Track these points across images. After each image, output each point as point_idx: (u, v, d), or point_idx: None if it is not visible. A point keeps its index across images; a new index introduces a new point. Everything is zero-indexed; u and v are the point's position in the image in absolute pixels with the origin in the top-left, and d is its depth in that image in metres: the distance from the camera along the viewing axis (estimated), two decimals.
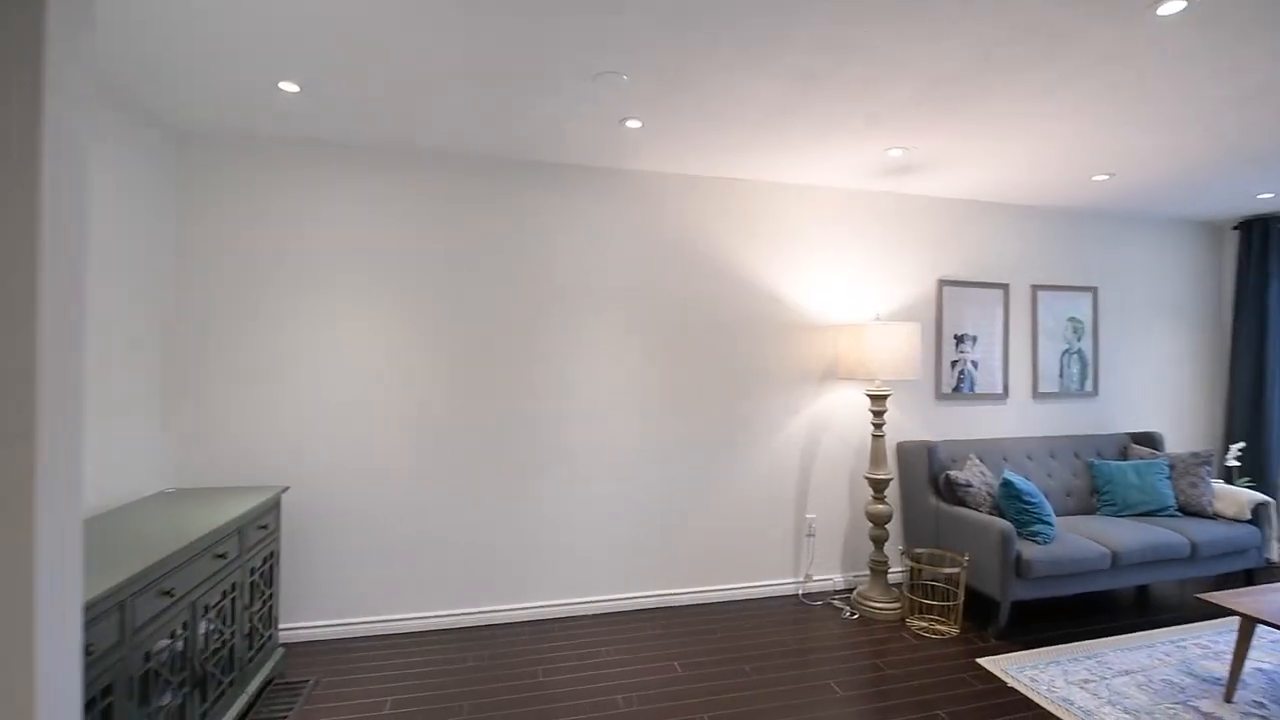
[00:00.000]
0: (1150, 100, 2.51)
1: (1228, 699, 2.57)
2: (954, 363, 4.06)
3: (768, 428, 3.67)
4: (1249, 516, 3.64)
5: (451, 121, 2.79)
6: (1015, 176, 3.55)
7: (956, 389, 4.06)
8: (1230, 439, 4.50)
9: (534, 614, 3.32)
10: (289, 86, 2.44)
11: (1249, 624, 2.55)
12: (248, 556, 2.44)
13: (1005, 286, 4.18)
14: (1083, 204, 4.17)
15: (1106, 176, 3.54)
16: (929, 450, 3.66)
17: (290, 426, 3.03)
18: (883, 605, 3.40)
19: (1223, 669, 2.82)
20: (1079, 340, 4.38)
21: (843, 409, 3.82)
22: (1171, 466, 3.92)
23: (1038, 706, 2.54)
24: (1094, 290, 4.39)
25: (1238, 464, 4.32)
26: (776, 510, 3.70)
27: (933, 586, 3.61)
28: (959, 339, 4.08)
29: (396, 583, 3.15)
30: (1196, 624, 3.31)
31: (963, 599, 3.27)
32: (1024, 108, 2.58)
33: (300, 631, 3.05)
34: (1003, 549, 3.12)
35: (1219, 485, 3.83)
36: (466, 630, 3.19)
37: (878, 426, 3.46)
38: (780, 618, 3.38)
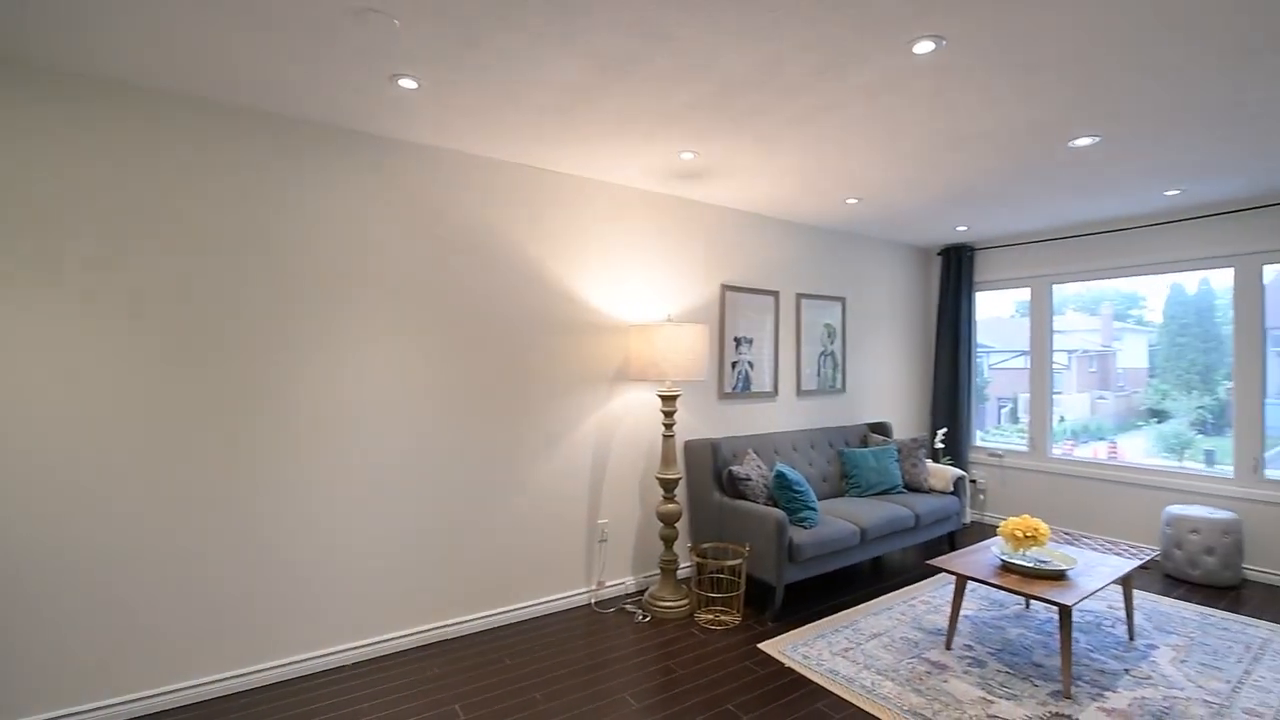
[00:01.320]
0: (897, 135, 2.85)
1: (948, 647, 3.01)
2: (734, 364, 4.31)
3: (559, 431, 3.48)
4: (952, 489, 4.43)
5: (160, 47, 2.10)
6: (789, 193, 3.86)
7: (736, 388, 4.31)
8: (936, 425, 5.49)
9: (280, 674, 2.68)
10: None
11: (962, 581, 3.03)
12: None
13: (776, 294, 4.56)
14: (838, 223, 4.73)
15: (857, 200, 4.04)
16: (713, 447, 3.80)
17: None
18: (672, 604, 3.41)
19: (943, 620, 3.32)
20: (831, 344, 4.96)
21: (634, 410, 3.79)
22: (899, 451, 4.61)
23: (811, 682, 2.71)
24: (843, 300, 5.02)
25: (942, 446, 5.28)
26: (568, 517, 3.53)
27: (718, 579, 3.74)
28: (738, 341, 4.33)
29: (88, 657, 2.28)
30: (920, 583, 3.90)
31: (744, 588, 3.42)
32: (803, 125, 2.76)
33: None
34: (778, 536, 3.33)
35: (931, 464, 4.60)
36: (186, 711, 2.44)
37: (668, 427, 3.48)
38: (573, 632, 3.20)
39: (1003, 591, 3.55)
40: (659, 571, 3.64)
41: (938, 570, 4.01)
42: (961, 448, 5.33)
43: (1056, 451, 5.02)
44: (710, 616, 3.37)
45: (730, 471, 3.68)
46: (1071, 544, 3.40)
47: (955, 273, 5.40)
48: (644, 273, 3.83)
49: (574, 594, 3.53)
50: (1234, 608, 3.52)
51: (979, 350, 5.53)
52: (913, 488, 4.50)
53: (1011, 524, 2.96)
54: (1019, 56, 2.17)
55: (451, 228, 3.13)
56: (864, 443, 4.83)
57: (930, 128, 2.79)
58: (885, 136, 2.91)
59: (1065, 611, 2.59)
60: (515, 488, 3.33)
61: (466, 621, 3.16)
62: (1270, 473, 3.95)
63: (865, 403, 5.25)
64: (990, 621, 3.31)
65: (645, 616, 3.39)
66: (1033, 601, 3.54)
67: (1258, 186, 3.66)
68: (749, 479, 3.66)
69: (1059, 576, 2.80)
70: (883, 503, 4.12)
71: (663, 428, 3.53)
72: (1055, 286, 5.03)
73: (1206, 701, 2.55)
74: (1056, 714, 2.46)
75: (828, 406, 4.93)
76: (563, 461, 3.50)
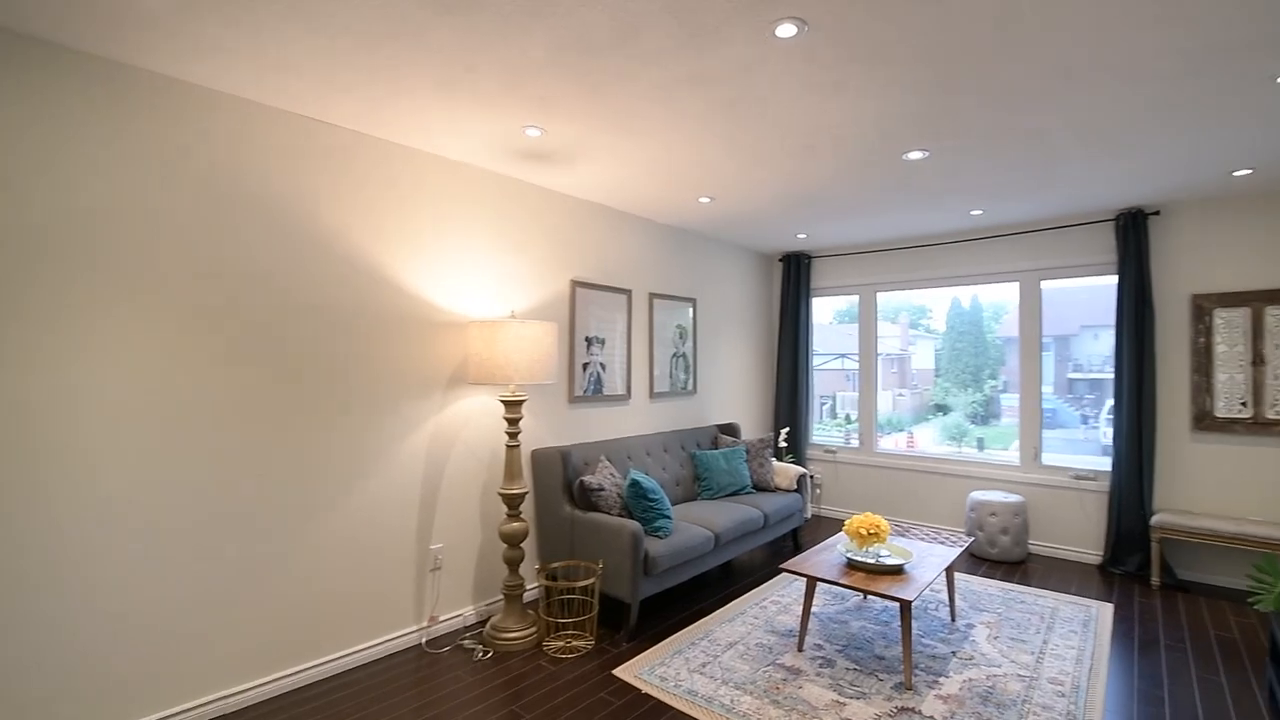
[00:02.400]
0: (751, 128, 2.76)
1: (800, 648, 2.99)
2: (585, 365, 4.04)
3: (382, 444, 2.95)
4: (795, 486, 4.56)
5: None
6: (643, 187, 3.68)
7: (588, 391, 4.04)
8: (779, 425, 5.69)
9: None
10: None
11: (812, 583, 3.03)
12: None
13: (629, 292, 4.37)
14: (690, 223, 4.67)
15: (709, 200, 3.98)
16: (563, 456, 3.49)
17: None
18: (518, 634, 3.04)
19: (793, 621, 3.33)
20: (683, 345, 4.90)
21: (475, 418, 3.35)
22: (748, 451, 4.66)
23: (670, 708, 2.50)
24: (694, 301, 4.99)
25: (785, 445, 5.47)
26: (393, 545, 3.00)
27: (569, 601, 3.44)
28: (590, 341, 4.07)
29: None
30: (769, 583, 3.92)
31: (597, 609, 3.15)
32: (661, 101, 2.54)
33: None
34: (633, 549, 3.11)
35: (776, 463, 4.71)
36: None
37: (513, 435, 3.10)
38: (397, 681, 2.69)
39: None
40: (502, 598, 3.24)
41: (775, 570, 4.09)
42: (800, 445, 5.57)
43: (881, 446, 5.43)
44: (560, 644, 3.05)
45: (582, 482, 3.39)
46: (902, 535, 3.60)
47: (795, 279, 5.64)
48: (487, 263, 3.41)
49: (401, 634, 3.01)
50: (1025, 580, 3.97)
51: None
52: (760, 487, 4.56)
53: (856, 522, 3.02)
54: (876, 49, 2.15)
55: (247, 198, 2.47)
56: (715, 444, 4.82)
57: (784, 121, 2.74)
58: (740, 128, 2.81)
59: (905, 607, 2.67)
60: (325, 514, 2.74)
61: (259, 687, 2.52)
62: (1045, 458, 4.56)
63: (715, 404, 5.27)
64: (835, 616, 3.38)
65: (486, 652, 2.98)
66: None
67: (1042, 211, 4.20)
68: (602, 489, 3.40)
69: (898, 571, 2.90)
70: (734, 504, 4.09)
71: (506, 437, 3.15)
72: (880, 294, 5.44)
73: (1020, 676, 2.76)
74: (902, 708, 2.50)
75: (680, 409, 4.86)
76: (387, 480, 2.96)
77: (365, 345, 2.89)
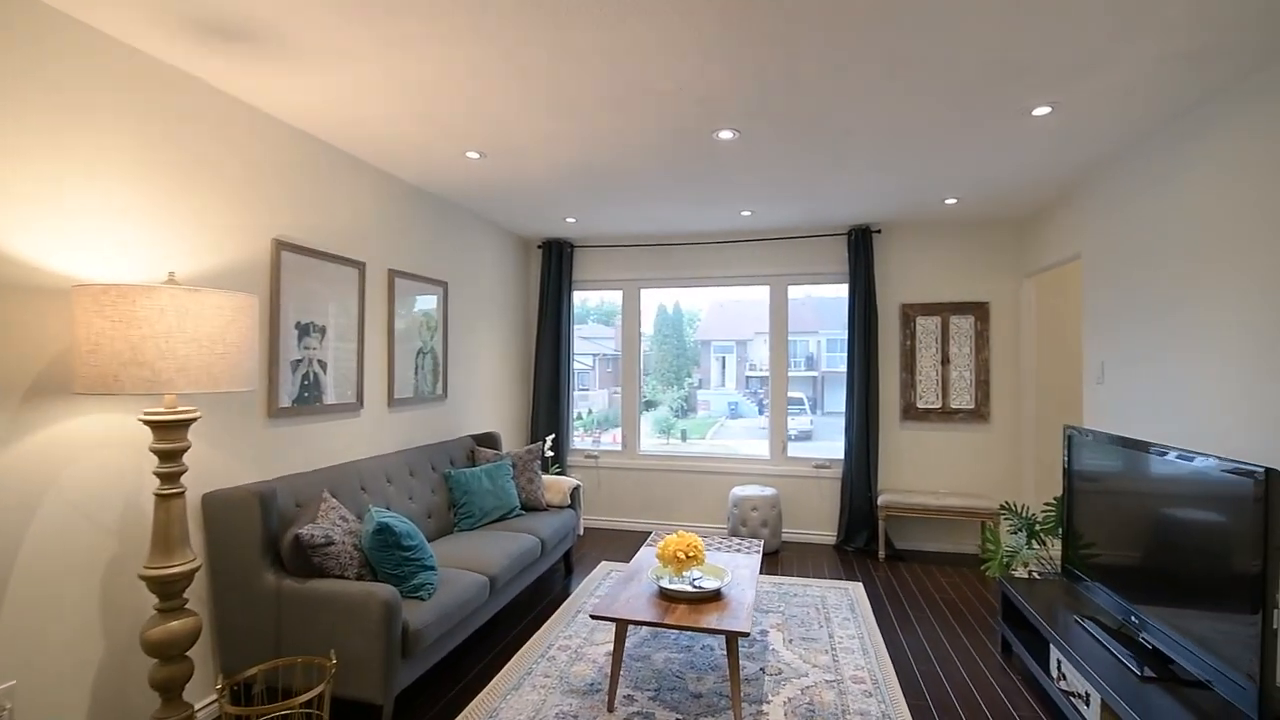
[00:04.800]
0: (565, 67, 2.10)
1: (611, 708, 2.43)
2: (296, 363, 2.84)
3: None
4: (569, 501, 4.00)
5: None
6: (393, 124, 2.68)
7: (300, 400, 2.85)
8: (536, 432, 5.07)
9: None
10: None
11: (623, 628, 2.49)
12: None
13: (362, 266, 3.27)
14: (448, 188, 3.74)
15: (479, 155, 3.15)
16: (263, 500, 2.32)
17: None
18: None
19: (590, 671, 2.74)
20: (432, 339, 3.94)
21: (88, 452, 1.98)
22: (514, 465, 3.94)
23: None
24: (445, 286, 4.06)
25: (552, 454, 4.88)
26: None
27: None
28: (304, 329, 2.89)
29: None
30: (548, 623, 3.26)
31: None
32: (453, 4, 1.71)
33: None
34: (386, 627, 2.16)
35: (546, 477, 4.09)
36: None
37: (170, 479, 1.87)
38: None
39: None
40: None
41: (559, 602, 3.50)
42: (563, 453, 5.05)
43: (584, 443, 5.24)
44: None
45: (297, 538, 2.28)
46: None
47: (556, 269, 5.10)
48: (132, 198, 2.05)
49: None
50: (786, 570, 4.11)
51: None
52: (531, 507, 3.89)
53: (671, 545, 2.59)
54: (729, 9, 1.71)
55: None
56: (472, 460, 3.98)
57: (605, 65, 2.15)
58: (551, 63, 2.13)
59: (734, 639, 2.32)
60: None
61: None
62: (791, 451, 4.88)
63: (470, 411, 4.40)
64: (634, 651, 2.92)
65: None
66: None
67: (798, 219, 4.42)
68: (330, 543, 2.34)
69: (717, 597, 2.56)
70: (504, 534, 3.35)
71: (159, 481, 1.89)
72: (644, 290, 5.25)
73: (828, 682, 2.66)
74: None
75: (427, 419, 3.88)
76: None
77: None
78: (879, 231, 4.59)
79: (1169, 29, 1.95)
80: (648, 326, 6.87)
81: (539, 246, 5.22)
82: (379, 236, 3.41)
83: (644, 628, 3.04)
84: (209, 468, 2.39)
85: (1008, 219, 4.35)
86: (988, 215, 4.26)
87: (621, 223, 4.59)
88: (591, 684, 2.64)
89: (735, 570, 2.87)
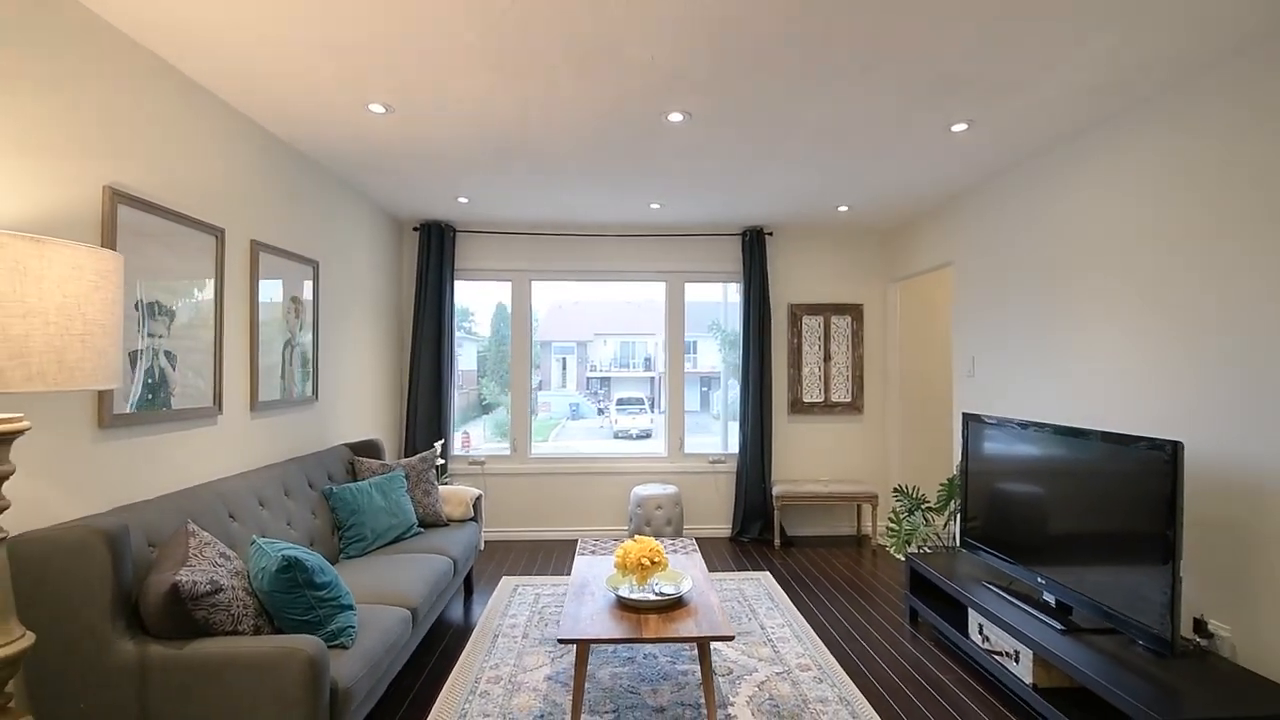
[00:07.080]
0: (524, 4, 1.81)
1: None
2: (137, 354, 2.14)
3: None
4: (471, 513, 3.58)
5: None
6: (279, 56, 2.12)
7: (141, 404, 2.15)
8: (411, 435, 4.49)
9: None
10: None
11: (584, 648, 2.25)
12: None
13: (220, 233, 2.58)
14: (330, 147, 3.12)
15: (384, 110, 2.66)
16: (111, 541, 1.68)
17: None
18: None
19: (532, 700, 2.43)
20: (301, 329, 3.27)
21: None
22: (408, 476, 3.42)
23: None
24: (316, 265, 3.39)
25: (443, 461, 4.33)
26: None
27: None
28: (149, 310, 2.19)
29: None
30: (468, 645, 2.86)
31: None
32: None
33: None
34: (314, 692, 1.69)
35: (443, 487, 3.62)
36: None
37: None
38: None
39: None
40: None
41: (468, 627, 3.10)
42: (446, 460, 4.53)
43: (535, 450, 4.91)
44: None
45: (175, 588, 1.68)
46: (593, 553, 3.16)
47: (437, 255, 4.57)
48: None
49: None
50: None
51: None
52: (429, 523, 3.40)
53: (632, 552, 2.40)
54: None
55: None
56: (353, 473, 3.38)
57: (572, 12, 1.91)
58: (495, 3, 1.84)
59: (706, 646, 2.21)
60: None
61: None
62: (688, 447, 4.90)
63: (345, 416, 3.74)
64: (572, 672, 2.66)
65: None
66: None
67: (699, 215, 4.43)
68: (217, 590, 1.77)
69: (683, 603, 2.42)
70: (408, 557, 2.88)
71: None
72: (535, 283, 4.92)
73: (779, 675, 2.66)
74: None
75: (296, 425, 3.21)
76: None
77: None
78: (771, 234, 4.80)
79: (1088, 63, 2.24)
80: (484, 327, 6.60)
81: (415, 229, 4.64)
82: (242, 197, 2.73)
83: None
84: (27, 501, 1.68)
85: (878, 228, 4.81)
86: (864, 224, 4.67)
87: (520, 206, 4.24)
88: (541, 716, 2.34)
89: (688, 572, 2.75)
